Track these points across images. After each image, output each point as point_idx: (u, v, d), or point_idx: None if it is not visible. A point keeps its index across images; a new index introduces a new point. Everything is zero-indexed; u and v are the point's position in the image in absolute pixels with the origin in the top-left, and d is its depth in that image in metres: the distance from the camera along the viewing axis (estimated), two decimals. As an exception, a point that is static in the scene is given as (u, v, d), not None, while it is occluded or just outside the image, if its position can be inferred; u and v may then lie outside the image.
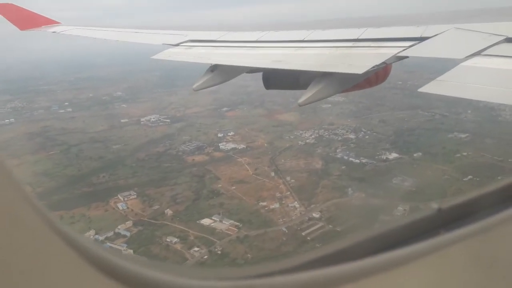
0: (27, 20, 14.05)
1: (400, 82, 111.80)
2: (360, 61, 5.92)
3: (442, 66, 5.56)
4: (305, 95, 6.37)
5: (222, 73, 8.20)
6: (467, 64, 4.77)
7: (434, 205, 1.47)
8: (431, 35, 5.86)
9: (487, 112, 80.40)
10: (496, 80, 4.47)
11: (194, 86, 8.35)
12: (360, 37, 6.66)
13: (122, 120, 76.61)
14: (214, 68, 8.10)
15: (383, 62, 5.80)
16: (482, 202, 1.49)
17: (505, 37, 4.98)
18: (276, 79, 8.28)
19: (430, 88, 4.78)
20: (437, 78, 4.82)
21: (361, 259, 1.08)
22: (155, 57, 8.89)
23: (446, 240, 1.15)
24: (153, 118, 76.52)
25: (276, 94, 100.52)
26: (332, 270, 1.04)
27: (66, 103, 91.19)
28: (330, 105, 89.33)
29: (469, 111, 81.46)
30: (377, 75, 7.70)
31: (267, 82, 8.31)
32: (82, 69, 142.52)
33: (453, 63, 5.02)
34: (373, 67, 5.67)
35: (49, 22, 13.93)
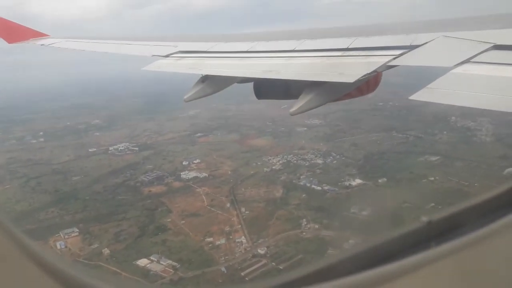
0: (15, 33, 13.59)
1: (381, 103, 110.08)
2: (350, 70, 5.85)
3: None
4: (296, 105, 6.30)
5: (213, 83, 8.08)
6: (456, 71, 4.74)
7: (424, 218, 1.40)
8: (420, 44, 5.82)
9: (462, 133, 77.70)
10: (485, 87, 4.47)
11: (185, 97, 8.10)
12: (350, 46, 6.58)
13: (90, 150, 74.17)
14: (205, 78, 7.97)
15: (374, 71, 5.68)
16: (472, 213, 1.44)
17: (493, 44, 5.00)
18: (267, 89, 8.24)
19: (421, 95, 4.66)
20: (427, 86, 4.69)
21: (351, 275, 1.06)
22: (145, 68, 8.57)
23: (436, 254, 1.14)
24: (122, 147, 74.05)
25: (254, 118, 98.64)
26: (322, 287, 1.01)
27: (41, 133, 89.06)
28: (305, 128, 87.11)
29: (445, 132, 78.76)
30: (368, 84, 7.69)
31: (258, 92, 8.26)
32: (69, 96, 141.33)
33: (441, 73, 4.87)
34: (364, 75, 5.59)
35: (38, 34, 13.51)
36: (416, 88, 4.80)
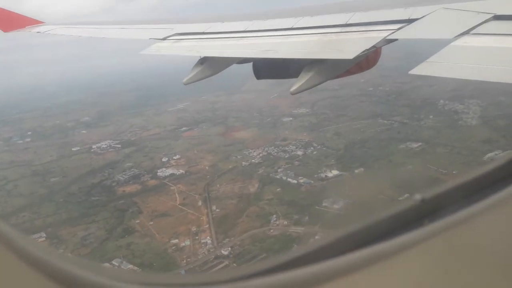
0: (11, 22, 13.26)
1: (371, 88, 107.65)
2: (349, 46, 5.74)
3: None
4: (296, 84, 6.21)
5: (212, 65, 7.94)
6: (456, 44, 4.60)
7: (417, 196, 1.37)
8: (419, 17, 5.67)
9: (449, 117, 75.18)
10: (486, 59, 4.35)
11: (184, 80, 8.00)
12: (349, 22, 6.42)
13: (73, 149, 72.97)
14: (203, 60, 7.83)
15: (373, 46, 5.54)
16: (466, 189, 1.41)
17: (493, 15, 4.85)
18: (266, 68, 8.10)
19: (421, 69, 4.48)
20: (428, 60, 4.53)
21: (344, 254, 1.07)
22: (143, 52, 8.44)
23: (429, 231, 1.12)
24: (105, 145, 72.73)
25: (242, 109, 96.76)
26: (315, 268, 1.02)
27: (29, 133, 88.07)
28: (291, 118, 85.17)
29: (431, 117, 76.31)
30: (368, 60, 7.49)
31: (257, 72, 8.11)
32: (62, 92, 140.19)
33: (441, 47, 4.72)
34: (363, 51, 5.46)
35: (33, 22, 13.19)
36: (415, 63, 4.57)
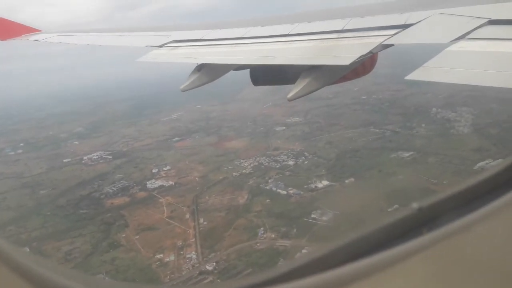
0: (8, 30, 13.15)
1: (364, 96, 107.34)
2: (346, 52, 5.76)
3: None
4: (293, 90, 6.18)
5: (209, 72, 7.94)
6: (452, 49, 4.62)
7: (415, 205, 1.33)
8: (415, 22, 5.67)
9: (441, 125, 74.65)
10: (482, 63, 4.37)
11: (182, 87, 7.92)
12: (345, 28, 6.46)
13: (64, 160, 72.20)
14: (200, 67, 7.84)
15: (370, 52, 5.53)
16: (463, 197, 1.39)
17: (488, 20, 4.88)
18: (263, 75, 8.11)
19: (417, 75, 4.47)
20: (424, 65, 4.52)
21: (341, 266, 1.06)
22: (140, 59, 8.42)
23: (428, 240, 1.11)
24: (96, 156, 71.97)
25: (236, 119, 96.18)
26: (312, 280, 1.02)
27: (21, 144, 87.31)
28: (284, 128, 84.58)
29: (423, 125, 75.72)
30: (364, 65, 7.49)
31: (255, 79, 8.11)
32: (58, 102, 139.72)
33: (436, 52, 4.71)
34: (360, 57, 5.46)
35: (30, 30, 13.15)
36: (410, 70, 4.53)
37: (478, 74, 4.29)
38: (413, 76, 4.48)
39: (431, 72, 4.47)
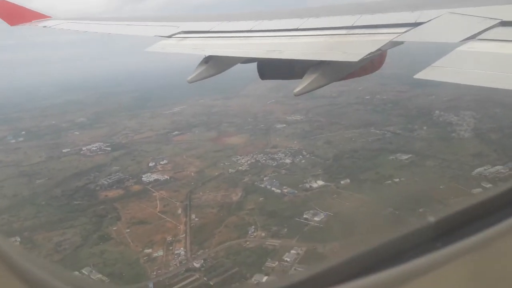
0: (17, 15, 13.01)
1: (368, 96, 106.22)
2: (355, 49, 5.67)
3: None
4: (300, 85, 6.13)
5: (216, 64, 7.83)
6: (462, 49, 4.55)
7: (431, 218, 1.28)
8: (425, 21, 5.59)
9: (442, 128, 73.57)
10: (492, 65, 4.30)
11: (189, 78, 7.81)
12: (355, 24, 6.36)
13: (63, 150, 72.18)
14: (208, 59, 7.74)
15: (379, 49, 5.50)
16: (479, 211, 1.31)
17: (500, 21, 4.81)
18: (271, 69, 8.03)
19: (426, 74, 4.42)
20: (433, 64, 4.49)
21: (352, 279, 1.04)
22: (149, 49, 8.33)
23: (445, 256, 1.08)
24: (95, 147, 71.90)
25: (237, 114, 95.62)
26: None
27: (23, 132, 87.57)
28: (285, 125, 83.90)
29: (425, 128, 74.71)
30: (373, 63, 7.46)
31: (262, 72, 8.06)
32: (64, 92, 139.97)
33: (446, 52, 4.63)
34: (368, 54, 5.40)
35: (39, 16, 12.92)
36: (417, 71, 4.44)
37: (487, 76, 4.22)
38: (421, 75, 4.43)
39: (440, 72, 4.40)
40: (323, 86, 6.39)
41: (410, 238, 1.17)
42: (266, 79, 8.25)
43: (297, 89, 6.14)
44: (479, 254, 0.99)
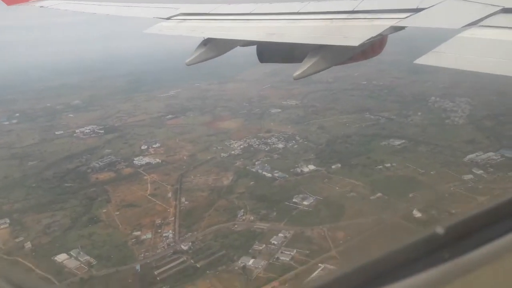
0: None
1: (364, 82, 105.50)
2: (355, 33, 5.68)
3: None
4: (300, 69, 6.12)
5: (215, 47, 7.81)
6: (464, 35, 4.57)
7: (439, 228, 1.21)
8: (427, 6, 5.58)
9: (437, 114, 73.24)
10: (493, 51, 4.32)
11: (187, 61, 7.77)
12: (356, 9, 6.34)
13: (57, 132, 71.69)
14: (207, 42, 7.72)
15: (379, 34, 5.48)
16: (490, 219, 1.22)
17: (501, 8, 4.81)
18: (270, 52, 7.93)
19: (427, 59, 4.44)
20: (434, 49, 4.50)
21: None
22: (147, 31, 8.36)
23: (452, 269, 1.02)
24: (88, 129, 71.38)
25: (232, 99, 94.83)
26: None
27: (17, 114, 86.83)
28: (280, 110, 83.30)
29: (419, 113, 74.34)
30: (373, 47, 7.35)
31: (261, 56, 7.94)
32: (61, 74, 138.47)
33: (447, 38, 4.64)
34: (369, 39, 5.41)
35: None
36: (415, 57, 4.48)
37: (488, 62, 4.23)
38: (422, 60, 4.42)
39: (440, 58, 4.40)
40: (322, 70, 6.35)
41: (414, 249, 1.11)
42: (265, 62, 8.20)
43: (297, 73, 6.10)
44: (492, 267, 0.86)
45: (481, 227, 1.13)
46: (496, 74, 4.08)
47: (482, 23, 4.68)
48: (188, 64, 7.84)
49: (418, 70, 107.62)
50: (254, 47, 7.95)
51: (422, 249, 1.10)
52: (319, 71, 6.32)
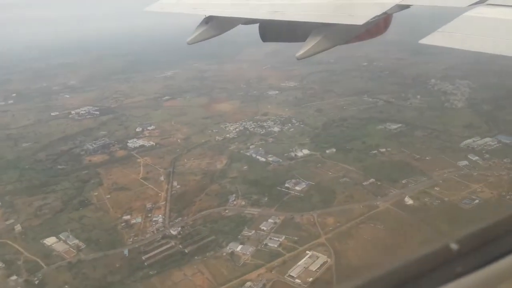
0: None
1: (365, 63, 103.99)
2: (360, 12, 5.55)
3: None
4: (303, 48, 5.95)
5: (217, 25, 7.65)
6: (470, 14, 4.43)
7: (453, 245, 1.16)
8: None
9: (437, 97, 72.03)
10: (501, 31, 4.17)
11: (188, 39, 7.64)
12: None
13: (52, 113, 71.20)
14: (209, 19, 7.55)
15: (384, 13, 5.32)
16: (502, 231, 1.17)
17: None
18: (273, 30, 7.78)
19: (432, 39, 4.30)
20: (439, 29, 4.36)
21: None
22: (147, 9, 8.26)
23: (467, 285, 1.01)
24: (83, 111, 70.80)
25: (230, 80, 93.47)
26: None
27: (14, 95, 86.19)
28: (277, 92, 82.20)
29: (419, 96, 73.12)
30: (378, 26, 7.12)
31: (263, 34, 7.79)
32: (61, 53, 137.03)
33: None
34: (374, 17, 5.28)
35: None
36: (417, 38, 4.44)
37: (495, 43, 4.09)
38: (427, 40, 4.30)
39: (446, 38, 4.28)
40: (326, 49, 6.19)
41: (426, 263, 1.05)
42: (268, 41, 7.95)
43: (300, 53, 5.92)
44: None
45: (497, 239, 1.07)
46: (504, 55, 3.91)
47: (489, 1, 4.54)
48: (190, 43, 7.66)
49: (420, 50, 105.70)
50: (257, 25, 7.76)
51: (433, 263, 1.04)
52: (322, 51, 6.16)
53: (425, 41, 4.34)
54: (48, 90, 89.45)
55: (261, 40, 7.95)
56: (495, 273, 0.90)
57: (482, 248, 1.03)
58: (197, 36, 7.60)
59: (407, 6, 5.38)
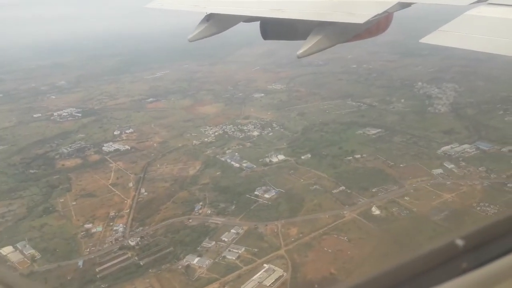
0: None
1: (354, 66, 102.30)
2: (361, 10, 5.49)
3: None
4: (304, 47, 5.93)
5: (218, 22, 7.52)
6: (471, 13, 4.36)
7: (459, 241, 1.15)
8: None
9: (421, 101, 70.52)
10: (502, 31, 4.08)
11: (189, 36, 7.52)
12: None
13: (35, 115, 69.95)
14: (209, 17, 7.43)
15: (385, 11, 5.31)
16: (508, 227, 1.17)
17: None
18: (274, 28, 7.73)
19: (433, 38, 4.27)
20: (440, 28, 4.31)
21: None
22: (147, 6, 8.14)
23: (472, 282, 0.99)
24: (66, 112, 69.57)
25: (218, 81, 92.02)
26: None
27: (1, 95, 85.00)
28: (263, 94, 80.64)
29: (403, 100, 71.59)
30: (378, 25, 7.08)
31: (264, 32, 7.69)
32: (53, 53, 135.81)
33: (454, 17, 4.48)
34: (375, 16, 5.26)
35: None
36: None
37: (496, 42, 4.01)
38: (428, 39, 4.29)
39: (447, 37, 4.21)
40: (327, 48, 6.16)
41: (431, 259, 1.01)
42: (269, 39, 7.84)
43: (300, 51, 5.93)
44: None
45: (503, 235, 1.04)
46: (505, 55, 3.79)
47: (490, 0, 4.46)
48: (190, 40, 7.59)
49: (411, 52, 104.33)
50: (258, 23, 7.63)
51: (438, 260, 1.01)
52: (323, 49, 6.10)
53: (425, 40, 4.27)
54: (35, 91, 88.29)
55: (261, 39, 7.81)
56: (499, 270, 0.86)
57: (487, 245, 1.00)
58: (198, 33, 7.48)
59: (409, 4, 5.31)
